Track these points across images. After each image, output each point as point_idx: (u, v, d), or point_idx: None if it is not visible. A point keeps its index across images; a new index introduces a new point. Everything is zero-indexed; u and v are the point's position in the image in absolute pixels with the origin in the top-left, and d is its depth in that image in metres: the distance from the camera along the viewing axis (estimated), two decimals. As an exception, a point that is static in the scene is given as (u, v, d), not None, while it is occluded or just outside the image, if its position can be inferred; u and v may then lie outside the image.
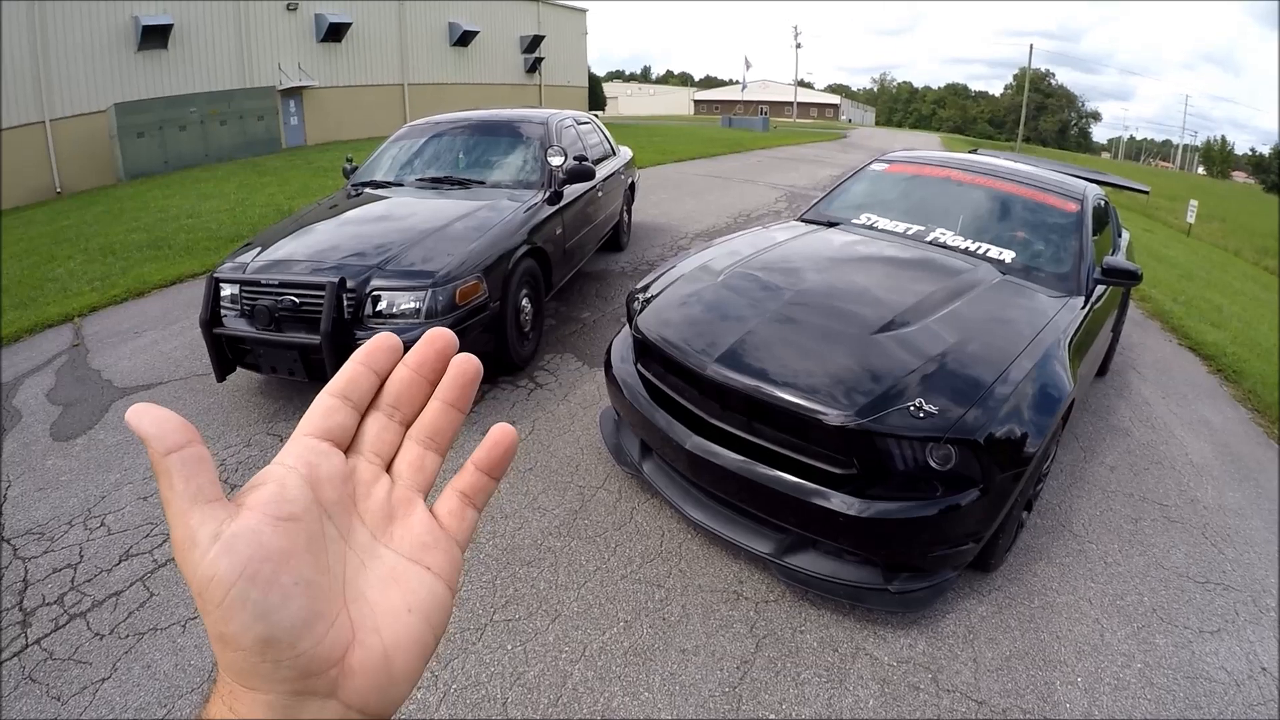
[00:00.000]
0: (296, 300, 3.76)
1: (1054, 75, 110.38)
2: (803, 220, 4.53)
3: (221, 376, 4.04)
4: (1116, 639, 2.79)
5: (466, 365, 0.43)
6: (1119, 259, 3.91)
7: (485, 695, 2.34)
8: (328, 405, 0.41)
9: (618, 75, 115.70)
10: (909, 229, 4.11)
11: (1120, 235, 5.32)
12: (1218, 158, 73.66)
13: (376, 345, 0.43)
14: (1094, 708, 2.46)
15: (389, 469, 0.43)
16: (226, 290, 3.98)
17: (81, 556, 2.95)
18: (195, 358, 4.81)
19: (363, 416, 0.42)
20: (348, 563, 0.38)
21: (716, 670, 2.48)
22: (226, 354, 3.97)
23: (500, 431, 0.44)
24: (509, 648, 2.52)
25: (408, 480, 0.43)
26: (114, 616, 2.63)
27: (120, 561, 2.91)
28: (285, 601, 0.34)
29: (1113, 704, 2.49)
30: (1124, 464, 4.20)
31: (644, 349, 3.25)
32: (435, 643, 0.39)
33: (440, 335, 0.43)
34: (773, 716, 2.32)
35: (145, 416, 0.34)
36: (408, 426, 0.43)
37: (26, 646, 2.52)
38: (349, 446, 0.42)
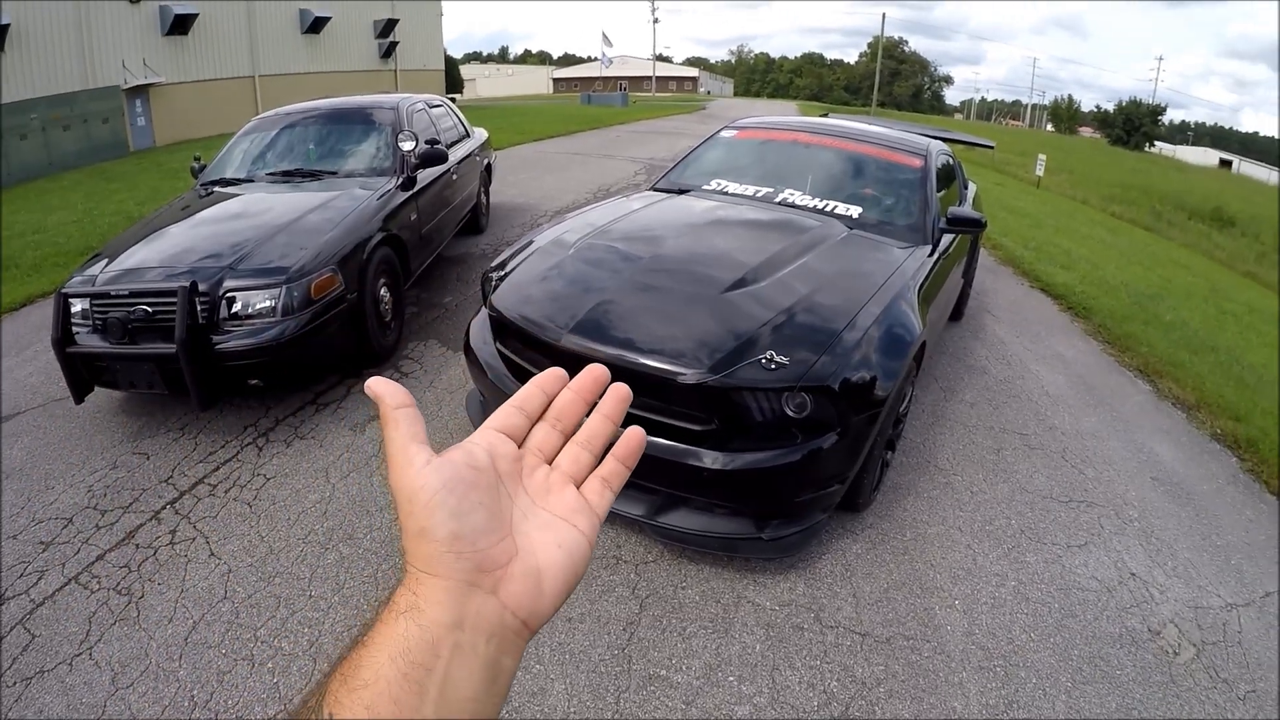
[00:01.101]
0: (149, 309, 3.57)
1: (907, 42, 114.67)
2: (655, 190, 4.60)
3: (79, 398, 3.80)
4: (989, 561, 2.99)
5: (620, 390, 0.55)
6: (964, 209, 4.14)
7: (374, 685, 2.32)
8: (507, 412, 0.53)
9: (475, 57, 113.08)
10: (759, 192, 4.23)
11: (966, 188, 5.63)
12: (1065, 115, 77.98)
13: (549, 374, 0.55)
14: (974, 627, 2.64)
15: (550, 464, 0.53)
16: (77, 306, 3.74)
17: None
18: (52, 382, 4.50)
19: (533, 424, 0.53)
20: (514, 512, 0.49)
21: (604, 635, 2.54)
22: (82, 374, 3.73)
23: (635, 432, 0.54)
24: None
25: (564, 469, 0.53)
26: None
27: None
28: (472, 510, 0.45)
29: (991, 621, 2.67)
30: (983, 400, 4.48)
31: (501, 327, 3.25)
32: (576, 578, 0.49)
33: (597, 368, 0.55)
34: (664, 672, 2.39)
35: (381, 384, 0.48)
36: (567, 436, 0.54)
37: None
38: (521, 444, 0.52)
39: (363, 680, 0.40)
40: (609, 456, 0.54)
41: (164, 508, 3.23)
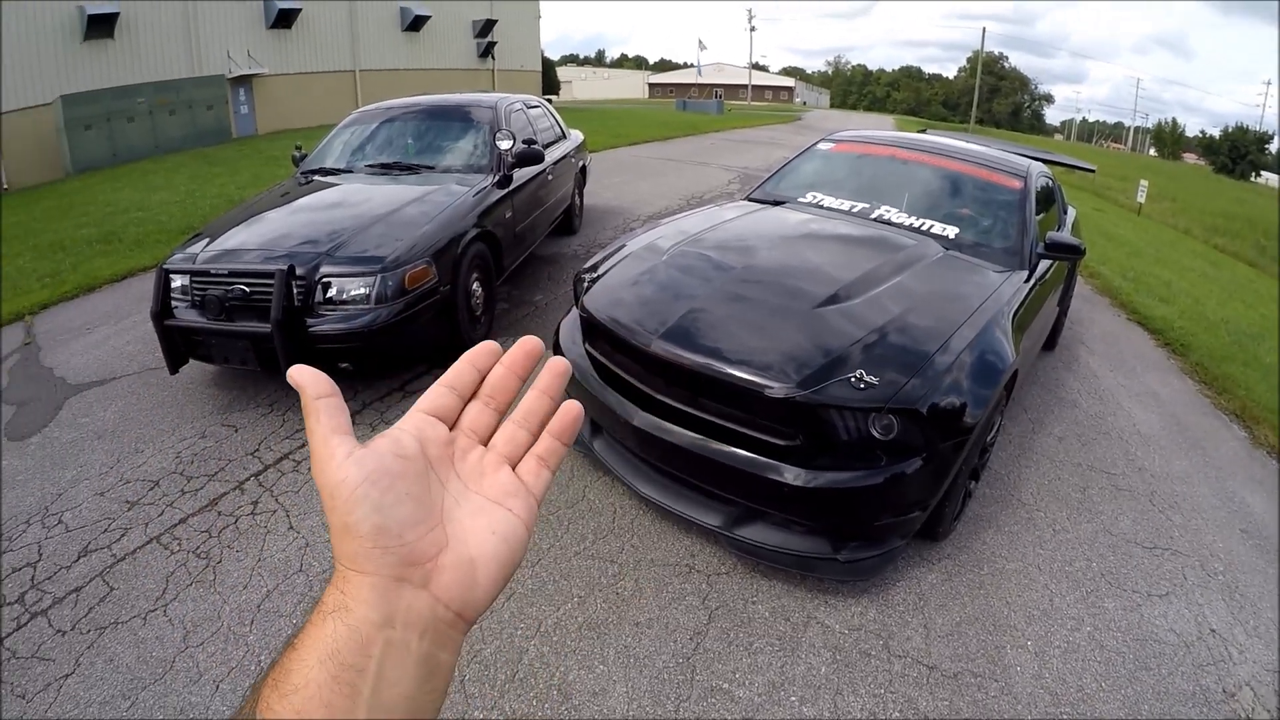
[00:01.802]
0: (246, 289, 3.72)
1: (1007, 58, 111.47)
2: (750, 199, 4.57)
3: (174, 369, 3.99)
4: (1065, 603, 2.86)
5: (558, 364, 0.52)
6: (1062, 234, 3.99)
7: (442, 673, 2.35)
8: (438, 392, 0.51)
9: (572, 59, 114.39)
10: (854, 206, 4.16)
11: (1066, 212, 5.43)
12: (1169, 139, 75.04)
13: (480, 349, 0.53)
14: (1044, 670, 2.52)
15: (486, 444, 0.51)
16: (177, 281, 3.92)
17: (40, 555, 2.91)
18: (148, 351, 4.74)
19: (465, 403, 0.51)
20: (445, 499, 0.47)
21: (670, 642, 2.52)
22: (179, 346, 3.91)
23: (571, 405, 0.53)
24: (464, 626, 2.54)
25: (500, 450, 0.51)
26: (75, 612, 2.60)
27: (79, 558, 2.88)
28: (397, 503, 0.43)
29: (1062, 666, 2.55)
30: (1072, 435, 4.30)
31: (591, 328, 3.27)
32: (513, 565, 0.47)
33: (529, 340, 0.52)
34: (726, 685, 2.36)
35: (302, 373, 0.45)
36: (501, 414, 0.52)
37: (-11, 646, 2.49)
38: (453, 425, 0.51)
39: (293, 685, 0.39)
40: (545, 433, 0.52)
41: (248, 479, 3.36)
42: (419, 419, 0.49)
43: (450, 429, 0.50)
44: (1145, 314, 7.21)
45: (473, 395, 0.52)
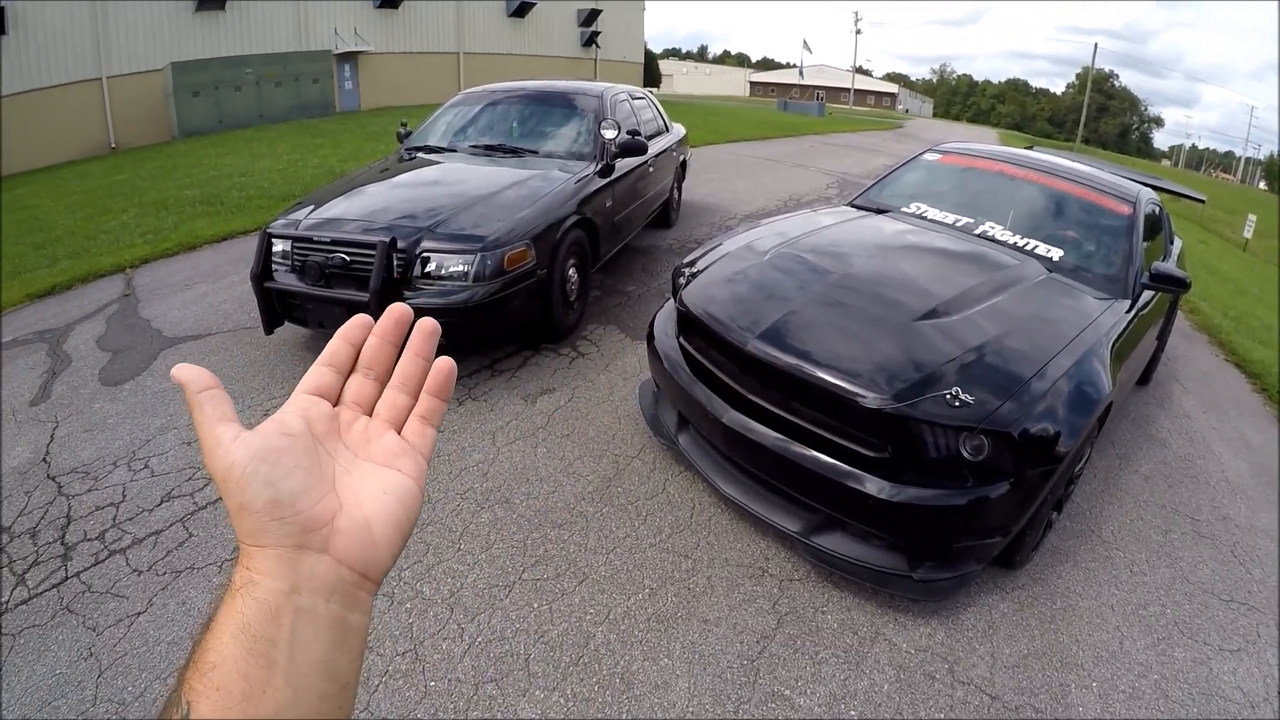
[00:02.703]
0: (347, 258, 3.83)
1: (1117, 76, 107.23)
2: (852, 206, 4.52)
3: (269, 330, 4.14)
4: (1136, 648, 2.77)
5: (425, 324, 0.54)
6: (1169, 265, 3.84)
7: (509, 650, 2.40)
8: (317, 371, 0.53)
9: (674, 53, 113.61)
10: (958, 221, 4.09)
11: (1172, 243, 5.21)
12: (1280, 173, 71.15)
13: (352, 323, 0.54)
14: (1106, 713, 2.45)
15: (370, 414, 0.53)
16: (278, 246, 4.06)
17: (124, 496, 3.07)
18: (243, 311, 4.94)
19: (346, 377, 0.53)
20: (335, 469, 0.49)
21: (736, 643, 2.52)
22: (275, 308, 4.06)
23: (443, 362, 0.54)
24: (535, 606, 2.59)
25: (383, 416, 0.53)
26: (153, 554, 2.73)
27: (161, 502, 3.02)
28: (287, 475, 0.45)
29: (1126, 711, 2.47)
30: (1159, 474, 4.14)
31: (687, 323, 3.29)
32: (409, 523, 0.49)
33: (397, 307, 0.54)
34: (788, 692, 2.36)
35: (184, 370, 0.47)
36: (381, 382, 0.54)
37: (66, 579, 2.63)
38: (336, 401, 0.53)
39: (210, 663, 0.40)
40: (423, 393, 0.54)
41: (334, 442, 3.47)
42: (302, 399, 0.51)
43: (334, 405, 0.52)
44: (1244, 356, 6.87)
45: (351, 370, 0.53)
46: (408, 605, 2.55)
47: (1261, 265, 16.03)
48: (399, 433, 0.52)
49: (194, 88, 16.66)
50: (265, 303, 4.04)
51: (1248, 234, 17.54)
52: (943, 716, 2.34)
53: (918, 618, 2.74)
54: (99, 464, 3.29)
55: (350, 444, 0.51)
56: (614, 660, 2.40)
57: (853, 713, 2.31)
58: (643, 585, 2.74)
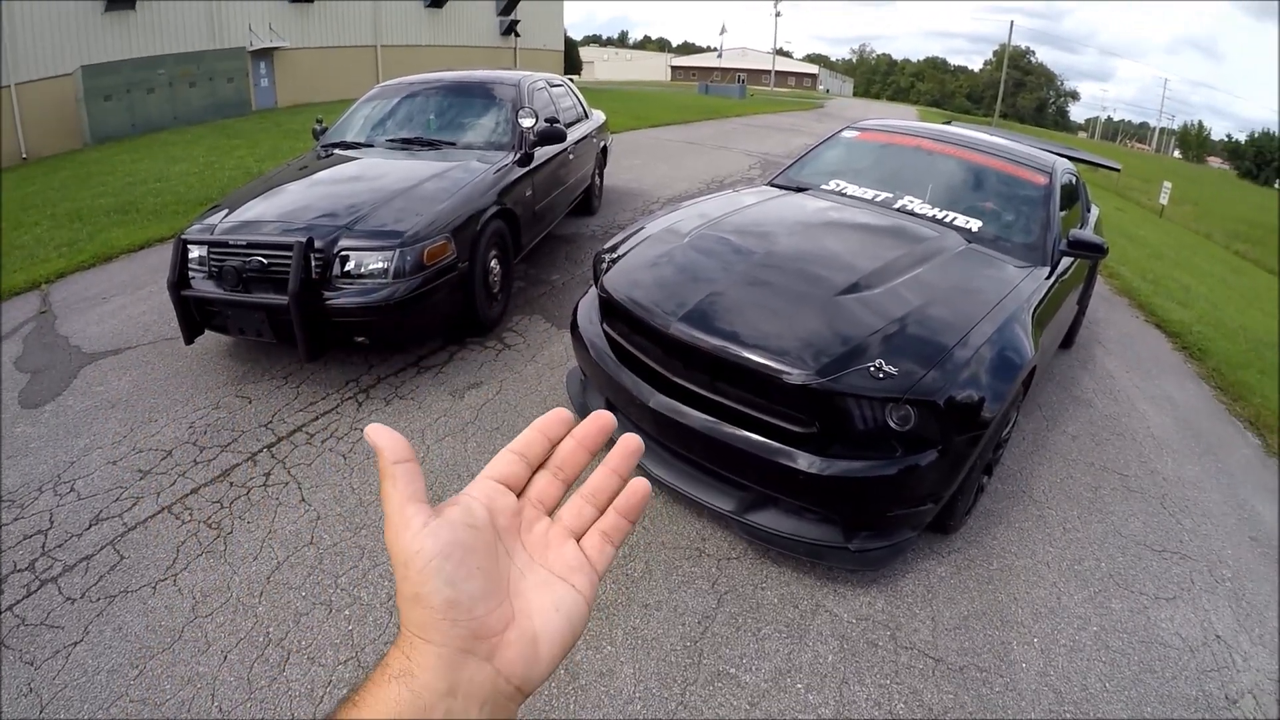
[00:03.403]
0: (264, 261, 3.71)
1: (1034, 53, 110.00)
2: (772, 185, 4.54)
3: (189, 339, 3.99)
4: (1073, 602, 2.86)
5: (630, 442, 0.53)
6: (1085, 232, 3.95)
7: (452, 651, 2.36)
8: (507, 459, 0.52)
9: (595, 40, 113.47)
10: (878, 196, 4.13)
11: (1090, 211, 5.37)
12: (1194, 142, 74.11)
13: (551, 418, 0.53)
14: (1049, 668, 2.53)
15: (551, 514, 0.53)
16: (194, 252, 3.92)
17: (52, 522, 2.93)
18: (164, 322, 4.75)
19: (534, 471, 0.53)
20: (511, 571, 0.48)
21: (679, 625, 2.52)
22: (194, 316, 3.91)
23: (638, 483, 0.53)
24: (474, 603, 2.54)
25: (566, 523, 0.52)
26: (85, 580, 2.62)
27: (90, 526, 2.90)
28: (469, 577, 0.44)
29: (1068, 665, 2.55)
30: (1086, 434, 4.28)
31: (609, 308, 3.26)
32: (573, 641, 0.48)
33: (602, 415, 0.53)
34: (733, 670, 2.37)
35: (381, 434, 0.46)
36: (568, 485, 0.53)
37: None
38: (521, 493, 0.52)
39: None
40: (610, 509, 0.53)
41: (261, 451, 3.37)
42: (488, 486, 0.50)
43: (518, 496, 0.51)
44: (1163, 317, 7.16)
45: (541, 465, 0.53)
46: (346, 612, 2.49)
47: (1177, 230, 16.70)
48: (579, 543, 0.52)
49: (106, 91, 15.95)
50: (184, 311, 3.89)
51: (1163, 200, 18.21)
52: (888, 683, 2.38)
53: (857, 588, 2.78)
54: (24, 490, 3.14)
55: (529, 545, 0.50)
56: (556, 652, 2.38)
57: (799, 685, 2.34)
58: (580, 575, 2.71)
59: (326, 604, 2.52)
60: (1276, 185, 53.84)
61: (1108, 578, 3.05)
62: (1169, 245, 12.94)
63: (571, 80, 7.80)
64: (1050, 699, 2.41)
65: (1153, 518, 3.55)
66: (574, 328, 3.48)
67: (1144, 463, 4.08)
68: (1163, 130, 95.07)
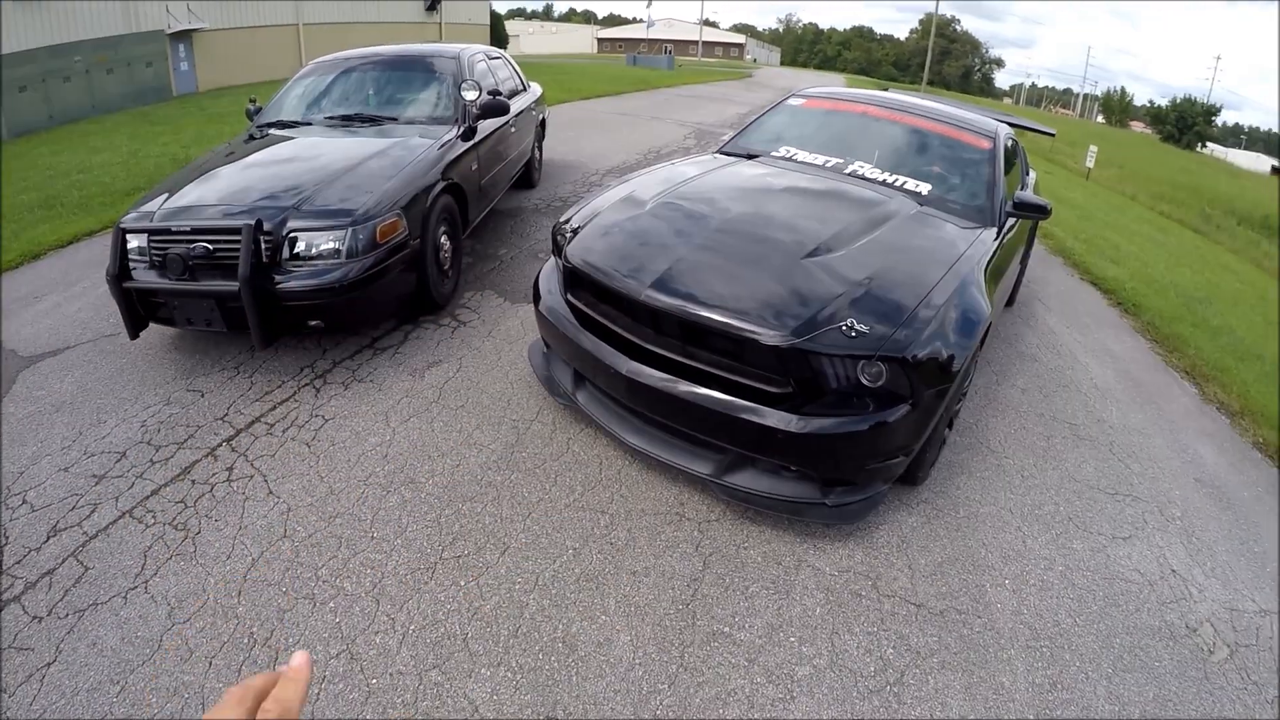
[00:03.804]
0: (210, 247, 3.57)
1: (959, 21, 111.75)
2: (722, 153, 4.56)
3: (134, 333, 3.81)
4: (1037, 545, 3.01)
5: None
6: (1029, 194, 4.08)
7: (445, 633, 2.34)
8: None
9: (520, 14, 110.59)
10: (828, 161, 4.18)
11: (1028, 174, 5.53)
12: (1117, 108, 76.16)
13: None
14: (1022, 606, 2.66)
15: None
16: (134, 241, 3.73)
17: (6, 538, 2.75)
18: (102, 317, 4.56)
19: None
20: None
21: (668, 589, 2.55)
22: (138, 309, 3.74)
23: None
24: (462, 584, 2.53)
25: None
26: (50, 596, 2.46)
27: (49, 538, 2.73)
28: None
29: (1039, 603, 2.69)
30: (1034, 387, 4.45)
31: (574, 278, 3.25)
32: None
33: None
34: (727, 629, 2.41)
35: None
36: None
37: (-38, 637, 2.36)
38: None
39: None
40: None
41: (220, 445, 3.26)
42: None
43: None
44: (1098, 274, 7.44)
45: None
46: (331, 605, 2.42)
47: (1104, 193, 17.24)
48: None
49: (19, 82, 15.07)
50: (126, 304, 3.70)
51: (1089, 164, 18.78)
52: (876, 630, 2.47)
53: (835, 541, 2.85)
54: (-30, 508, 2.97)
55: None
56: (552, 625, 2.39)
57: (792, 639, 2.40)
58: (565, 547, 2.72)
59: (309, 597, 2.45)
60: (1200, 149, 56.00)
61: (1067, 520, 3.20)
62: (1098, 207, 13.38)
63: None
64: (1026, 635, 2.53)
65: (1104, 463, 3.72)
66: (535, 299, 3.46)
67: (1090, 412, 4.25)
68: (1086, 96, 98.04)
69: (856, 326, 2.56)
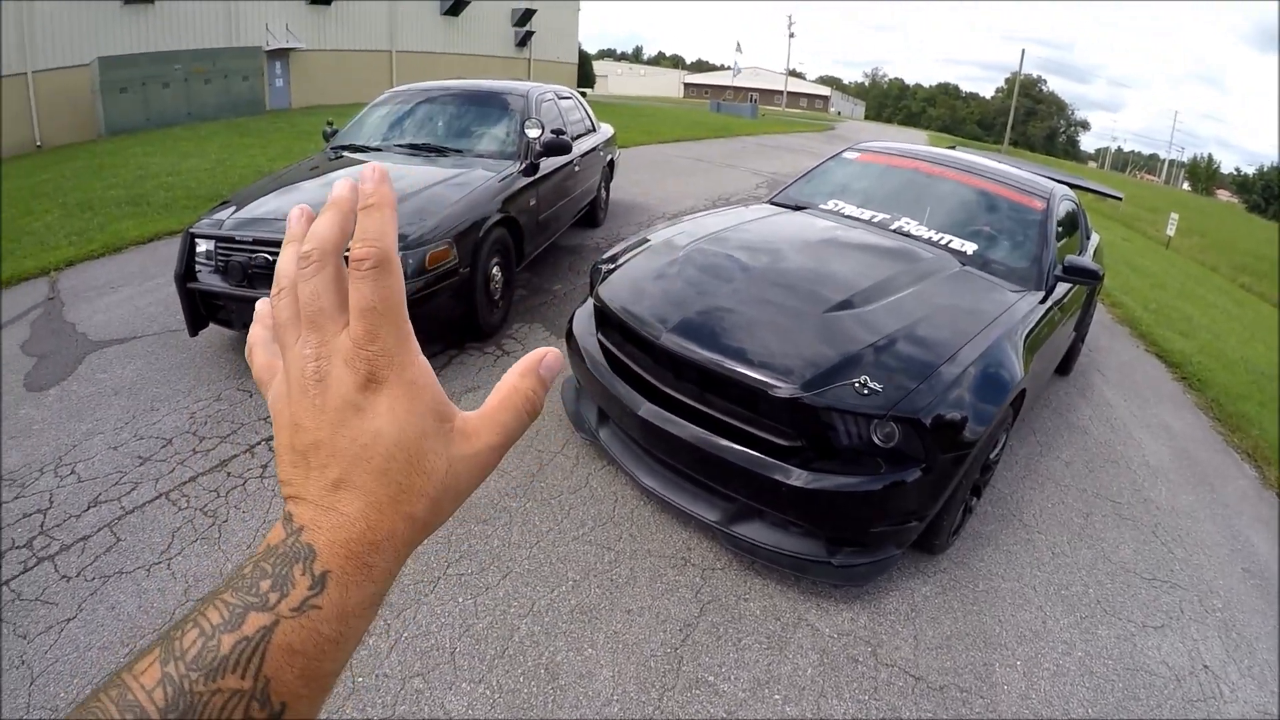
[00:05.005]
0: (270, 258, 3.77)
1: (1045, 82, 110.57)
2: (772, 203, 4.59)
3: (194, 331, 4.07)
4: (1059, 627, 2.86)
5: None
6: (1082, 259, 3.96)
7: (434, 644, 2.40)
8: None
9: (609, 54, 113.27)
10: (875, 217, 4.17)
11: (1089, 238, 5.40)
12: (1203, 175, 74.04)
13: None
14: (1031, 691, 2.53)
15: None
16: (202, 246, 3.99)
17: (51, 502, 2.98)
18: (170, 314, 4.81)
19: None
20: None
21: (660, 631, 2.54)
22: (200, 310, 3.99)
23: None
24: (460, 600, 2.58)
25: None
26: (81, 560, 2.66)
27: (89, 508, 2.94)
28: None
29: (1050, 689, 2.55)
30: (1080, 460, 4.28)
31: (604, 318, 3.32)
32: None
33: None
34: (711, 678, 2.38)
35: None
36: None
37: (-5, 587, 2.55)
38: None
39: None
40: None
41: (259, 443, 3.42)
42: None
43: None
44: (1164, 346, 7.16)
45: None
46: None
47: (1183, 262, 16.68)
48: None
49: (121, 84, 16.09)
50: (189, 304, 3.97)
51: (1170, 232, 18.21)
52: (867, 699, 2.39)
53: (840, 603, 2.79)
54: (25, 470, 3.19)
55: None
56: (538, 651, 2.41)
57: (777, 696, 2.35)
58: (566, 578, 2.74)
59: (314, 597, 2.55)
60: (1283, 220, 53.76)
61: (1095, 604, 3.05)
62: (1174, 276, 12.93)
63: (584, 94, 7.86)
64: (1029, 722, 2.42)
65: (1144, 546, 3.55)
66: (569, 336, 3.54)
67: (1138, 490, 4.08)
68: (1172, 162, 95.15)
69: (870, 384, 2.53)
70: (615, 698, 2.28)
